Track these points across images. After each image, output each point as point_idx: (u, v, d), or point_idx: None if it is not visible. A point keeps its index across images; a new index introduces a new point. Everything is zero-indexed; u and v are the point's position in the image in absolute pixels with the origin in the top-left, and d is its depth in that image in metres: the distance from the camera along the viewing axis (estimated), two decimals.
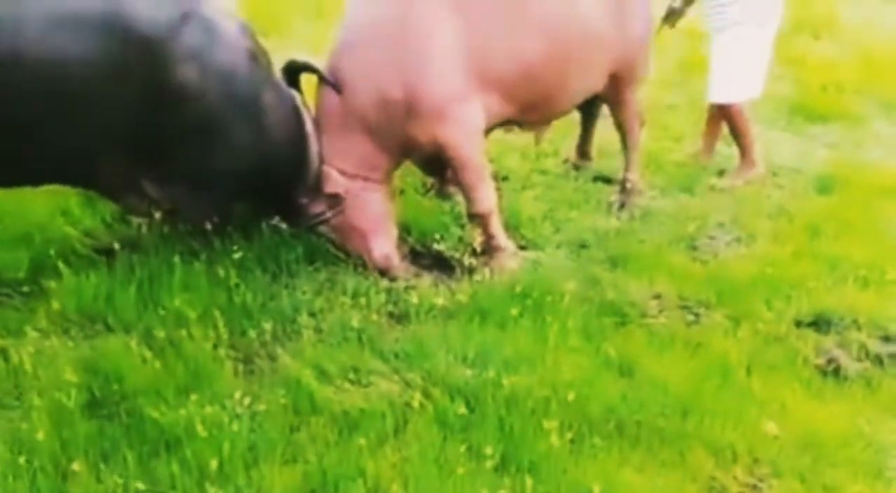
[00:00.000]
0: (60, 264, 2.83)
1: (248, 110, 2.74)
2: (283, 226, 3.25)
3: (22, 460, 2.11)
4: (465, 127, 3.05)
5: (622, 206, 3.93)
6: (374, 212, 3.07)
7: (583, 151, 4.29)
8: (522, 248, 3.53)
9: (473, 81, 3.01)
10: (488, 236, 3.24)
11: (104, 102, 2.46)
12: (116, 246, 2.94)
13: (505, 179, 4.08)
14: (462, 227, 3.56)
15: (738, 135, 4.30)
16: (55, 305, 2.69)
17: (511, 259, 3.29)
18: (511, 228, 3.61)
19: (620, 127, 3.97)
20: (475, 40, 2.98)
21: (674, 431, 2.47)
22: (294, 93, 2.98)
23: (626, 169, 4.01)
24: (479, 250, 3.27)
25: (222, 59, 2.63)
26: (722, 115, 4.30)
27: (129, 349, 2.56)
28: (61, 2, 2.40)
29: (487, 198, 3.18)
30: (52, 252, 2.91)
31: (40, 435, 2.16)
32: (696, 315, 3.11)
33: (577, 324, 2.89)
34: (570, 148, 4.34)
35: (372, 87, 2.93)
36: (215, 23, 2.63)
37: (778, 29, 4.19)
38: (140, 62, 2.47)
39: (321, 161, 2.99)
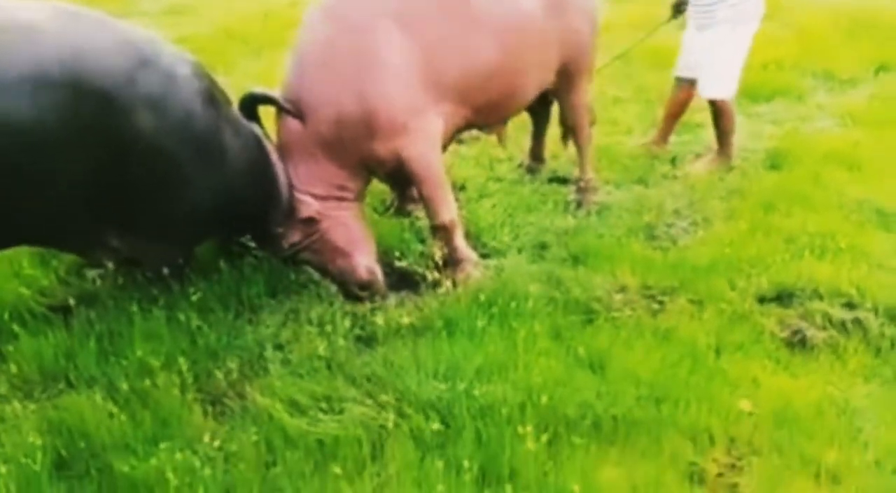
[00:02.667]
0: (16, 327, 2.78)
1: (209, 153, 2.71)
2: (243, 260, 3.23)
3: None
4: (424, 140, 3.07)
5: (579, 204, 3.96)
6: (352, 229, 3.08)
7: (535, 153, 4.33)
8: (484, 256, 3.53)
9: (428, 92, 3.04)
10: (451, 248, 3.25)
11: (63, 159, 2.41)
12: (72, 302, 2.88)
13: (462, 188, 4.09)
14: (423, 242, 3.57)
15: (725, 130, 4.37)
16: (13, 368, 2.63)
17: (474, 269, 3.29)
18: (472, 236, 3.62)
19: (571, 125, 4.01)
20: (425, 51, 3.01)
21: (649, 420, 2.49)
22: (254, 126, 2.96)
23: (580, 167, 4.05)
24: (441, 263, 3.27)
25: (178, 105, 2.59)
26: (714, 110, 4.35)
27: (94, 404, 2.51)
28: (13, 59, 2.32)
29: (449, 209, 3.20)
30: (6, 315, 2.85)
31: None
32: (661, 303, 3.14)
33: (545, 326, 2.90)
34: (523, 152, 4.37)
35: (329, 108, 2.94)
36: (171, 69, 2.60)
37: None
38: (97, 115, 2.42)
39: (290, 189, 2.98)
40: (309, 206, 2.99)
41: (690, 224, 3.82)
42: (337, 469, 2.23)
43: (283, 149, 3.04)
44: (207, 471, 2.20)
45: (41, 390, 2.66)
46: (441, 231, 3.24)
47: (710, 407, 2.54)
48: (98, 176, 2.50)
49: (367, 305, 3.07)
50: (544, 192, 4.11)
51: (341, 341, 2.80)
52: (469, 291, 3.09)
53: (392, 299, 3.14)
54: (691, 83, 4.37)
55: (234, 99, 2.98)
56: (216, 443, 2.32)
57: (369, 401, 2.57)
